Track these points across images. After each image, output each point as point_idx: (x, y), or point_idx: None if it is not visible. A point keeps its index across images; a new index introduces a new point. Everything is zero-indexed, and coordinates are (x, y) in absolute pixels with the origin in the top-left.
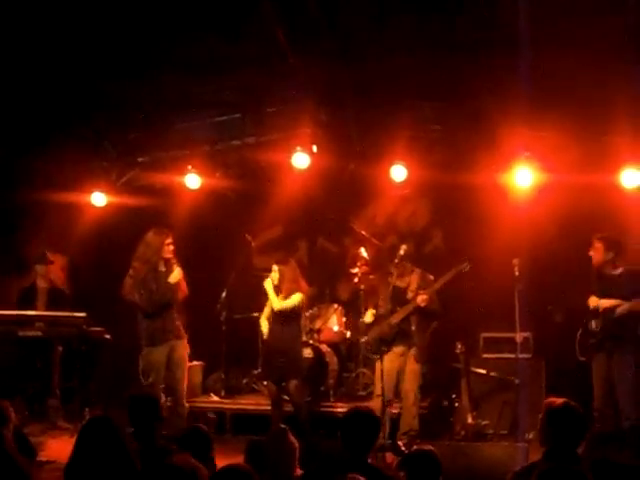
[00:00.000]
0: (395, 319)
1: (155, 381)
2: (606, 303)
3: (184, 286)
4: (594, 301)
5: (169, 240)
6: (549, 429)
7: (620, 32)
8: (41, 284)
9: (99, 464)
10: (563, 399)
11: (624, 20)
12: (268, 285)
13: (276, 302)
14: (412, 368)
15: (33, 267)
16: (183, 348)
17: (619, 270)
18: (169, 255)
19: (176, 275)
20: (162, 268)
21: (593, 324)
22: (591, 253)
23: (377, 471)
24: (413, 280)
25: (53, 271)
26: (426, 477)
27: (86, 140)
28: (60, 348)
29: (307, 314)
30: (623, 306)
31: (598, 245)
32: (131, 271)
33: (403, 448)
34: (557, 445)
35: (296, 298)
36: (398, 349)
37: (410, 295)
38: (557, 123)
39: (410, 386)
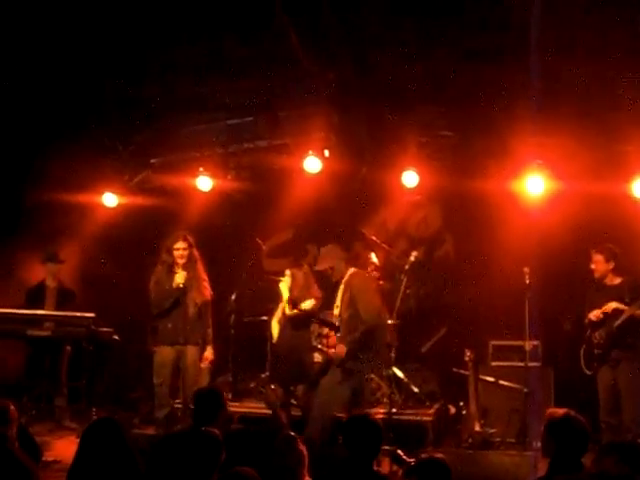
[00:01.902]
0: None
1: (162, 382)
2: (614, 305)
3: (204, 292)
4: (594, 314)
5: (179, 244)
6: (550, 440)
7: (632, 40)
8: (50, 283)
9: (103, 466)
10: (564, 409)
11: (635, 28)
12: (284, 287)
13: (287, 308)
14: None
15: (43, 265)
16: (196, 354)
17: (618, 280)
18: (180, 260)
19: (177, 279)
20: (175, 271)
21: (597, 335)
22: (593, 266)
23: (384, 478)
24: None
25: (63, 271)
26: None
27: (98, 141)
28: (69, 348)
29: None
30: (624, 314)
31: (599, 257)
32: (155, 271)
33: (404, 457)
34: (559, 456)
35: (309, 303)
36: None
37: None
38: (569, 131)
39: None
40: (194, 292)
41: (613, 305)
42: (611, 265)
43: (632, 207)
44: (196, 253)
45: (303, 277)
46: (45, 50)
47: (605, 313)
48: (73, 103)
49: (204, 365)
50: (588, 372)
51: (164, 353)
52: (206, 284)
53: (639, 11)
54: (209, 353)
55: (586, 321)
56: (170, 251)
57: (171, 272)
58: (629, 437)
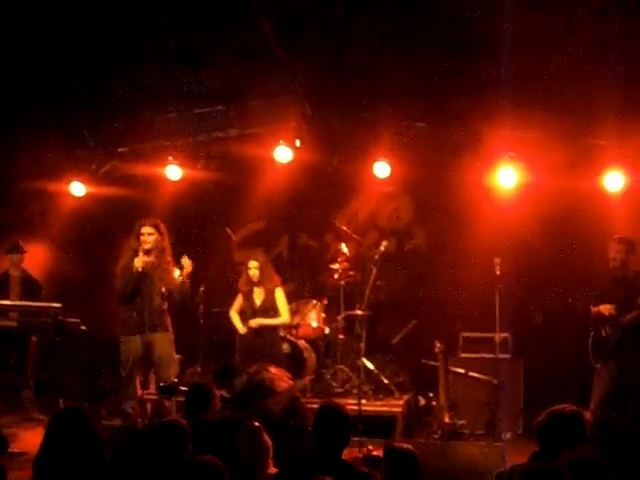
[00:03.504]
0: None
1: (128, 374)
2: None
3: (169, 278)
4: (607, 308)
5: (145, 229)
6: (547, 433)
7: (604, 33)
8: (13, 273)
9: (68, 455)
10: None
11: (608, 22)
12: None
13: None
14: None
15: (6, 256)
16: (166, 343)
17: (633, 272)
18: (147, 245)
19: (135, 264)
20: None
21: (608, 330)
22: (612, 255)
23: (351, 469)
24: None
25: (27, 261)
26: (404, 475)
27: (66, 129)
28: (34, 339)
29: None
30: (635, 311)
31: (620, 247)
32: (122, 256)
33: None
34: (546, 447)
35: (282, 318)
36: None
37: None
38: (542, 124)
39: None
40: (158, 281)
41: (612, 311)
42: (631, 256)
43: (603, 200)
44: (166, 243)
45: (268, 266)
46: (13, 37)
47: (612, 313)
48: (40, 91)
49: (186, 272)
50: (596, 365)
51: (130, 343)
52: (172, 274)
53: (610, 3)
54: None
55: (594, 311)
56: (137, 236)
57: (135, 257)
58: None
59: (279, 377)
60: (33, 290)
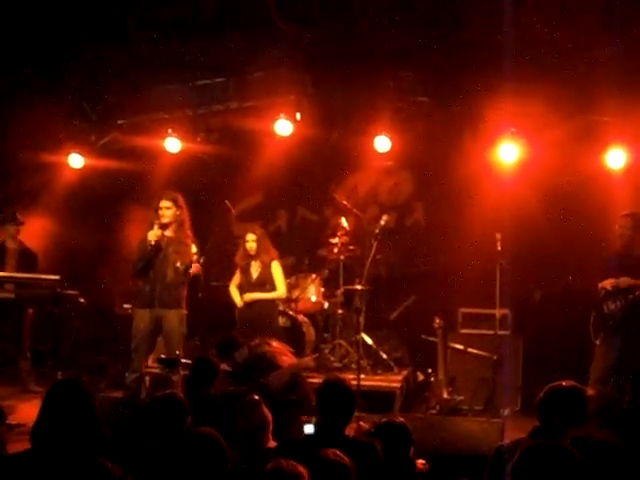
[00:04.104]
0: None
1: (136, 347)
2: (628, 281)
3: (185, 256)
4: (611, 283)
5: (162, 203)
6: (546, 408)
7: (606, 7)
8: (10, 245)
9: (65, 426)
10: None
11: None
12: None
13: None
14: None
15: (2, 227)
16: (176, 320)
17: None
18: (165, 219)
19: (149, 237)
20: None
21: (611, 306)
22: (619, 231)
23: (354, 441)
24: None
25: (26, 232)
26: (397, 448)
27: (65, 101)
28: (31, 310)
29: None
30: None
31: (627, 222)
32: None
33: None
34: (549, 424)
35: (278, 292)
36: None
37: None
38: (544, 100)
39: None
40: (174, 255)
41: (627, 281)
42: (638, 231)
43: (605, 177)
44: (184, 216)
45: (264, 239)
46: (11, 9)
47: (616, 287)
48: (39, 63)
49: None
50: (595, 341)
51: (139, 316)
52: (189, 248)
53: None
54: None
55: (600, 286)
56: (156, 210)
57: (150, 231)
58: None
59: (281, 351)
60: (30, 262)
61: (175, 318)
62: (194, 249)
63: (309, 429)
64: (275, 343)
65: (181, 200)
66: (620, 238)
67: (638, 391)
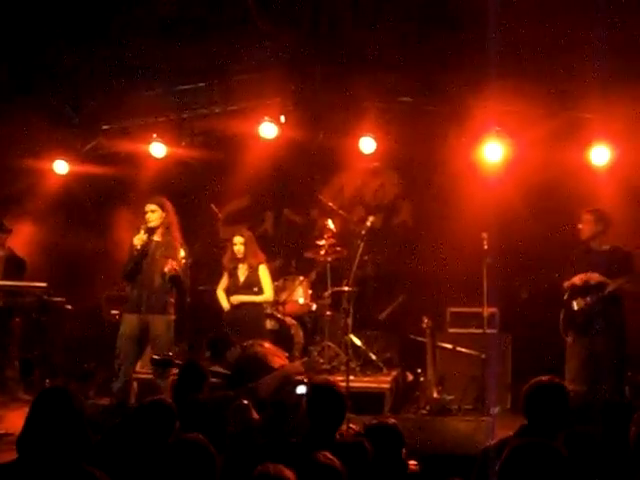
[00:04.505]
0: None
1: (119, 353)
2: (597, 277)
3: (172, 262)
4: (581, 278)
5: (147, 207)
6: (532, 405)
7: (589, 4)
8: None
9: (52, 434)
10: (549, 376)
11: None
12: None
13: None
14: None
15: None
16: (163, 325)
17: (606, 246)
18: (151, 223)
19: (134, 241)
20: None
21: (580, 302)
22: (580, 226)
23: (343, 444)
24: None
25: (13, 239)
26: (388, 450)
27: (49, 106)
28: (18, 319)
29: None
30: (613, 284)
31: (588, 217)
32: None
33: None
34: (535, 422)
35: (265, 295)
36: None
37: None
38: (528, 98)
39: None
40: (162, 260)
41: (597, 277)
42: (600, 228)
43: (589, 174)
44: (171, 218)
45: (252, 242)
46: None
47: (587, 282)
48: (23, 67)
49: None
50: (567, 338)
51: (126, 321)
52: (178, 252)
53: None
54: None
55: (567, 284)
56: (143, 214)
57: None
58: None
59: (273, 352)
60: (17, 269)
61: (162, 324)
62: (182, 253)
63: (301, 390)
64: (268, 345)
65: (168, 204)
66: (582, 233)
67: (614, 387)
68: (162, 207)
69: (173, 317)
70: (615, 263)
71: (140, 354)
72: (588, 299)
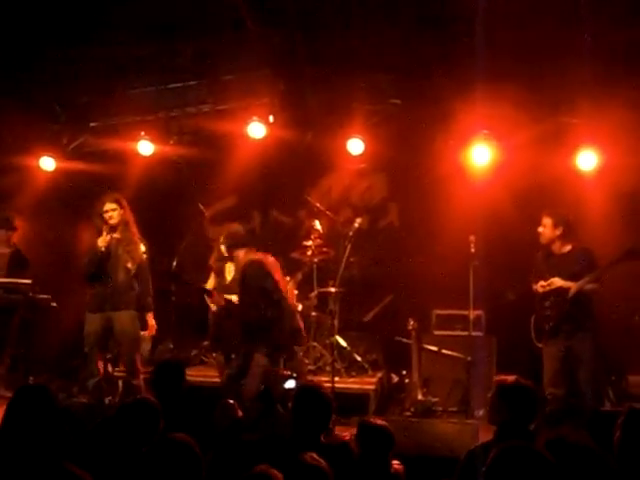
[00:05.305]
0: None
1: (90, 350)
2: (559, 282)
3: (135, 255)
4: (543, 284)
5: (107, 206)
6: (502, 405)
7: (575, 8)
8: (1, 250)
9: (29, 432)
10: (514, 376)
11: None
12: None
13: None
14: None
15: None
16: (127, 320)
17: (568, 248)
18: (113, 221)
19: (98, 243)
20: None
21: (547, 308)
22: (540, 230)
23: (328, 446)
24: None
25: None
26: (378, 450)
27: (36, 103)
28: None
29: None
30: (574, 287)
31: (547, 221)
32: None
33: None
34: (508, 422)
35: None
36: None
37: None
38: (516, 101)
39: None
40: (125, 255)
41: (558, 283)
42: (559, 231)
43: (576, 179)
44: (128, 215)
45: None
46: None
47: (546, 289)
48: (9, 63)
49: (149, 333)
50: (539, 344)
51: (91, 320)
52: (138, 247)
53: None
54: (152, 321)
55: (534, 289)
56: (100, 214)
57: (99, 237)
58: (588, 407)
59: None
60: (20, 267)
61: (126, 318)
62: (143, 248)
63: (290, 384)
64: None
65: (123, 200)
66: (541, 237)
67: (594, 391)
68: (120, 204)
69: (137, 313)
70: (578, 264)
71: (105, 350)
72: (554, 305)
